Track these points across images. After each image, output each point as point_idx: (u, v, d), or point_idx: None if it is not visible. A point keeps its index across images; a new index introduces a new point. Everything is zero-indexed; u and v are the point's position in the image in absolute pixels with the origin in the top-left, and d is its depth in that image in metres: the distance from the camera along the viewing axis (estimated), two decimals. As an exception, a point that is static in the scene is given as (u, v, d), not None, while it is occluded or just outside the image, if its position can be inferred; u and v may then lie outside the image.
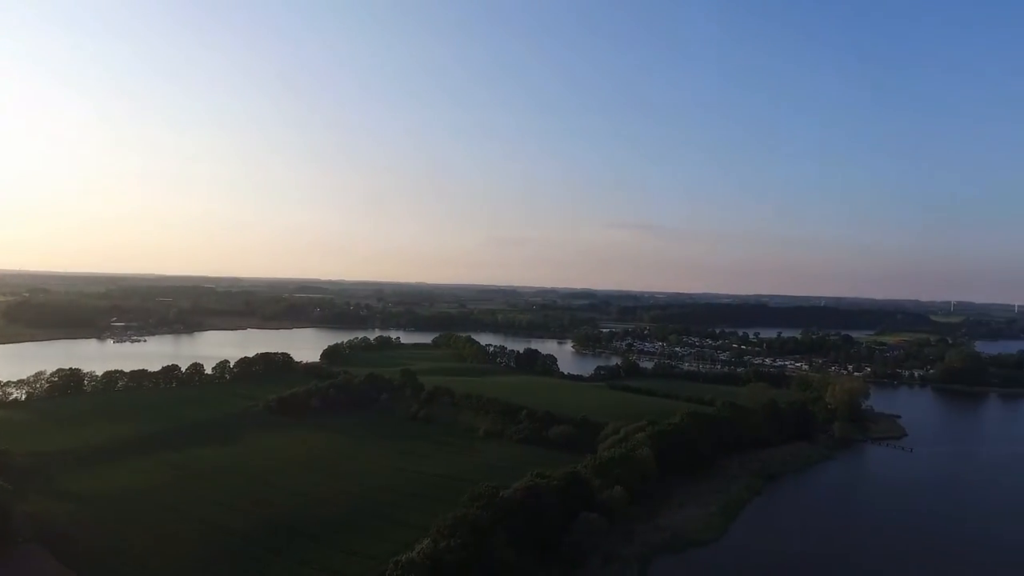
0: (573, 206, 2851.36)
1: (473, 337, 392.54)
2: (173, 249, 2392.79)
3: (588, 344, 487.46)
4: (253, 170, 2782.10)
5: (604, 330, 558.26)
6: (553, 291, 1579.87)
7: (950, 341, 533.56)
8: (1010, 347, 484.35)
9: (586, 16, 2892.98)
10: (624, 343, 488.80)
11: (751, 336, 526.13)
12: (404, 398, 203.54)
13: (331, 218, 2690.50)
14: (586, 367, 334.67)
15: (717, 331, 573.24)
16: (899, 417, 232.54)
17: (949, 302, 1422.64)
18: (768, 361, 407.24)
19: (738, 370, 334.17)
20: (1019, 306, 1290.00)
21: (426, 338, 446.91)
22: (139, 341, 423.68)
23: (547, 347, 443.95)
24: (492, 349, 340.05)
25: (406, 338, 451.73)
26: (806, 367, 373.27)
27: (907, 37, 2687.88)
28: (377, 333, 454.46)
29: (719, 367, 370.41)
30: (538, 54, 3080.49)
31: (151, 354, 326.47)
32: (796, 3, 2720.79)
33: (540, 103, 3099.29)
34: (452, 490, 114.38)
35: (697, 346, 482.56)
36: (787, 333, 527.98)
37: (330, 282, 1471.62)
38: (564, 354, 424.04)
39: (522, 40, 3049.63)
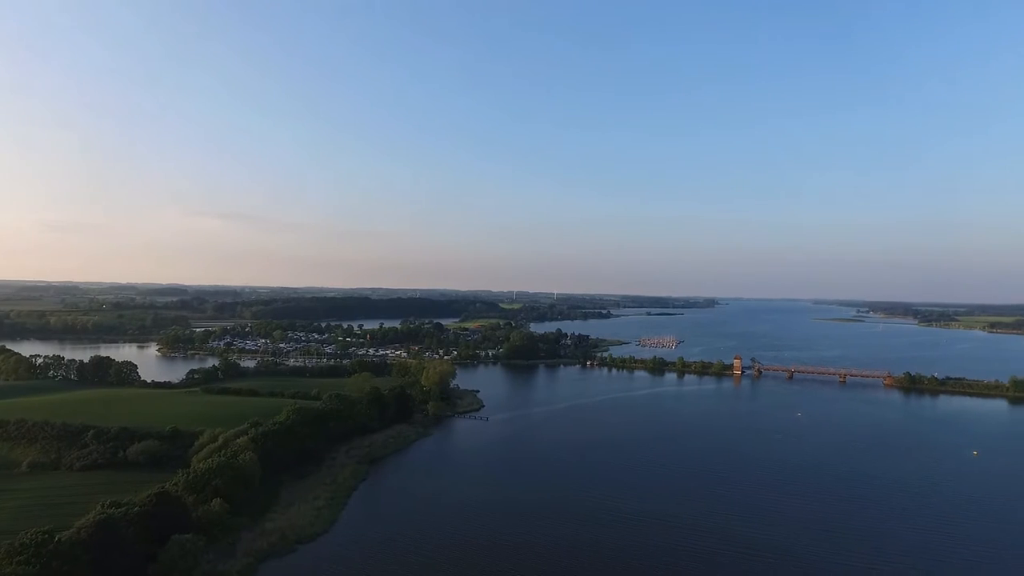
0: (146, 189, 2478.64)
1: (9, 347, 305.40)
2: None
3: (178, 346, 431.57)
4: None
5: (198, 329, 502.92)
6: (131, 287, 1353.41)
7: (513, 324, 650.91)
8: (551, 327, 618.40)
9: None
10: (222, 342, 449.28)
11: (356, 328, 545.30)
12: None
13: None
14: (176, 372, 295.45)
15: (323, 325, 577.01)
16: (478, 392, 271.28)
17: (512, 292, 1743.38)
18: (372, 351, 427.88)
19: (344, 362, 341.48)
20: (557, 294, 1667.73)
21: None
22: None
23: (124, 353, 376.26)
24: (41, 361, 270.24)
25: None
26: (405, 354, 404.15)
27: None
28: None
29: (326, 360, 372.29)
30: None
31: None
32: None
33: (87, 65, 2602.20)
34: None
35: (303, 341, 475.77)
36: (388, 323, 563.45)
37: None
38: (147, 359, 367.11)
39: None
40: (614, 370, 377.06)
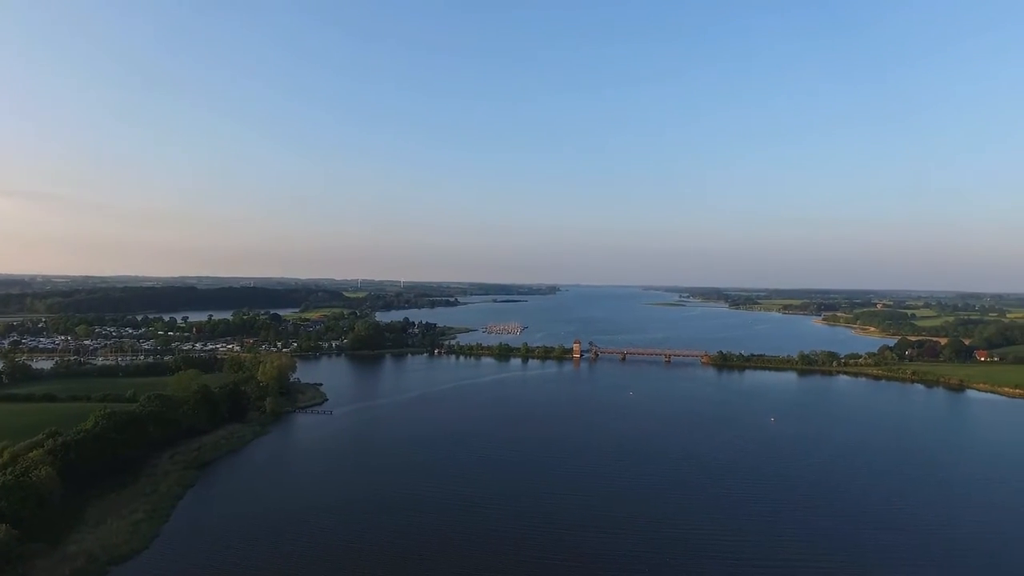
0: None
1: None
2: None
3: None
4: None
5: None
6: None
7: (358, 314, 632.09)
8: (398, 316, 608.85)
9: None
10: (7, 341, 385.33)
11: (179, 321, 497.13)
12: None
13: None
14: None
15: (139, 318, 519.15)
16: (321, 385, 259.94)
17: (357, 280, 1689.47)
18: (199, 346, 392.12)
19: (166, 358, 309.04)
20: (404, 282, 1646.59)
21: None
22: None
23: None
24: None
25: None
26: (238, 348, 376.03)
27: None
28: None
29: (143, 358, 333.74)
30: None
31: None
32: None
33: None
34: None
35: (115, 336, 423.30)
36: (218, 315, 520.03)
37: None
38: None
39: None
40: (462, 358, 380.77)
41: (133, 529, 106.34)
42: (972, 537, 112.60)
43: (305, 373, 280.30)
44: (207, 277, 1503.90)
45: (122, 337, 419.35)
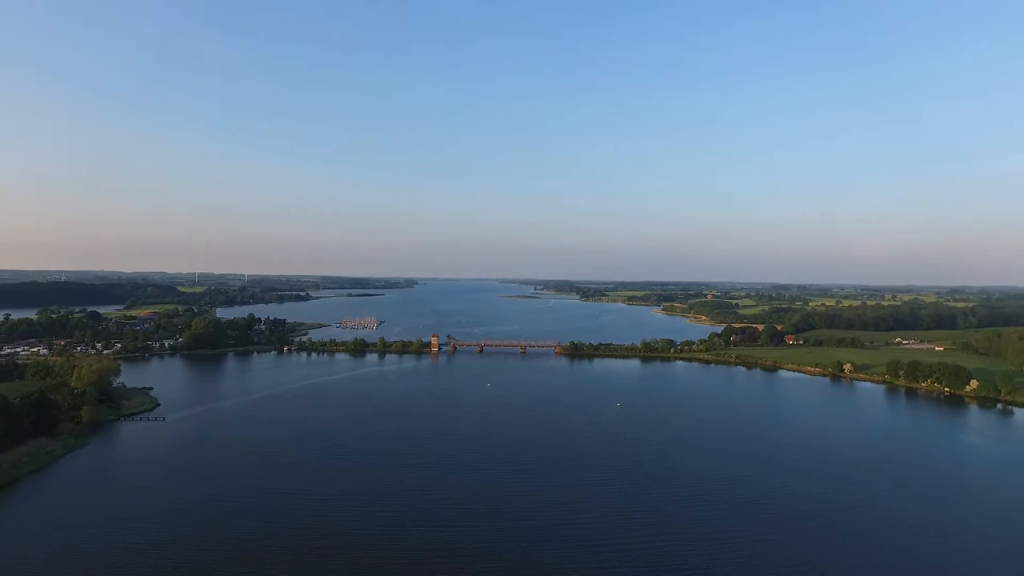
0: None
1: None
2: None
3: None
4: None
5: None
6: None
7: (195, 310, 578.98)
8: (242, 312, 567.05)
9: None
10: None
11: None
12: None
13: None
14: None
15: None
16: (151, 389, 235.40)
17: (194, 273, 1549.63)
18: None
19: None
20: (248, 275, 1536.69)
21: None
22: None
23: None
24: None
25: None
26: (45, 351, 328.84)
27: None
28: None
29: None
30: None
31: None
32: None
33: None
34: None
35: None
36: (19, 314, 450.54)
37: None
38: None
39: None
40: (314, 354, 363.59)
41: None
42: (779, 495, 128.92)
43: (132, 377, 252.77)
44: (6, 271, 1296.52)
45: None
